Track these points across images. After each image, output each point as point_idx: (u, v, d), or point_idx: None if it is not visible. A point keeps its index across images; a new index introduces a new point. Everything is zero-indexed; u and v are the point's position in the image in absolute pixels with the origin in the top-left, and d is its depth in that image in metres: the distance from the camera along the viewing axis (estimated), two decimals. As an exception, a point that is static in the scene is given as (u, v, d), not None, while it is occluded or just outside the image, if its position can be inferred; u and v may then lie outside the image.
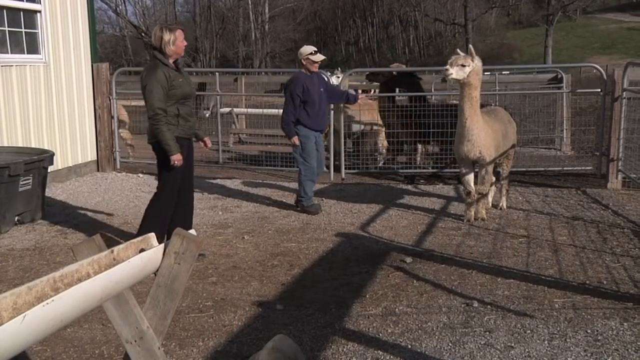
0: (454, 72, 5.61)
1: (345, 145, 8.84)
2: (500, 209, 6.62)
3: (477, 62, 5.69)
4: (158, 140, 4.72)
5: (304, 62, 6.61)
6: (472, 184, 6.10)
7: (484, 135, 5.81)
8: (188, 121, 4.87)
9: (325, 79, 7.26)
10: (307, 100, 6.51)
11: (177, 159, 4.67)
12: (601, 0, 56.40)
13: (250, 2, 49.44)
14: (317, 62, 6.61)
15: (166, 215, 4.90)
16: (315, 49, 6.70)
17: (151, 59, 4.88)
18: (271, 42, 50.63)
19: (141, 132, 12.86)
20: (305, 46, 6.82)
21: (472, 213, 6.13)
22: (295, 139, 6.53)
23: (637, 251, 5.19)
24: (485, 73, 14.25)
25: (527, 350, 3.38)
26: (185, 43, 4.89)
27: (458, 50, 5.86)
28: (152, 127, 4.74)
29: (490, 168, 6.08)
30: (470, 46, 5.85)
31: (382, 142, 9.13)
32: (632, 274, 4.62)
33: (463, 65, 5.61)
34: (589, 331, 3.62)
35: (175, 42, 4.74)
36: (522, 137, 11.16)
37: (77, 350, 3.47)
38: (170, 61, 4.78)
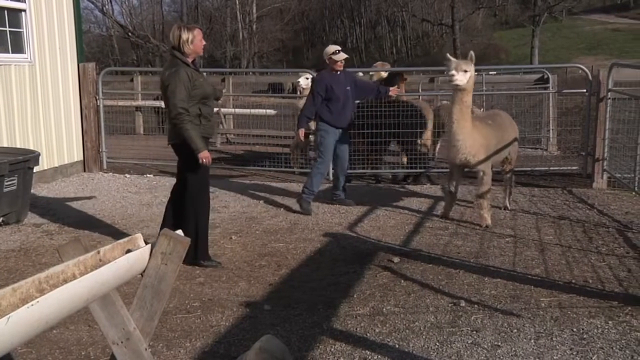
0: (459, 78, 5.50)
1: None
2: (505, 209, 6.63)
3: (473, 67, 5.70)
4: (184, 139, 4.68)
5: (328, 62, 6.74)
6: (452, 186, 6.23)
7: (470, 141, 5.71)
8: (209, 120, 4.88)
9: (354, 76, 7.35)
10: (330, 98, 6.64)
11: (205, 156, 4.67)
12: (586, 1, 56.85)
13: (237, 2, 49.28)
14: (339, 61, 6.67)
15: (206, 217, 4.99)
16: (339, 48, 6.78)
17: (171, 59, 4.82)
18: (259, 42, 50.52)
19: (127, 132, 12.84)
20: (329, 45, 6.92)
21: (447, 211, 6.31)
22: (301, 132, 6.77)
23: (622, 250, 5.23)
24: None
25: (513, 349, 3.40)
26: (204, 42, 4.88)
27: (448, 55, 5.84)
28: (175, 128, 4.71)
29: (487, 171, 5.99)
30: (472, 52, 5.78)
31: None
32: (617, 272, 4.66)
33: (465, 71, 5.53)
34: (574, 330, 3.64)
35: (193, 41, 4.72)
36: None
37: (63, 352, 3.45)
38: (189, 60, 4.76)
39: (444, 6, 51.94)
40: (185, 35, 4.71)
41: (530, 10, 47.93)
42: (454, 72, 5.50)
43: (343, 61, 6.72)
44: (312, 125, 7.61)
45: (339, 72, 6.75)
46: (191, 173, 4.86)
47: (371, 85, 7.51)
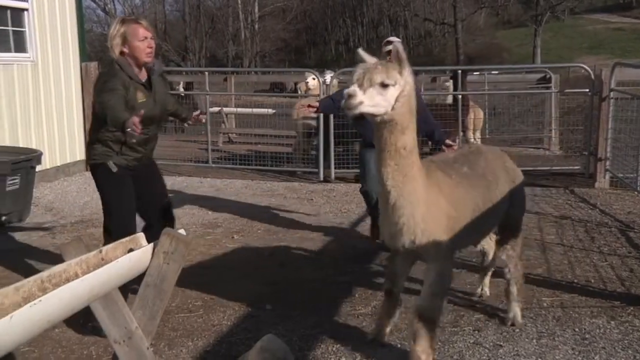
0: (367, 100, 2.75)
1: (334, 145, 8.83)
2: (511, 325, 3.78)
3: (408, 77, 2.86)
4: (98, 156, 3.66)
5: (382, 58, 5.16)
6: (394, 283, 3.49)
7: (423, 211, 3.00)
8: (136, 152, 3.72)
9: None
10: None
11: (133, 122, 3.14)
12: (588, 1, 56.73)
13: (239, 2, 49.32)
14: (388, 54, 4.61)
15: None
16: (390, 39, 4.98)
17: (109, 67, 3.68)
18: (261, 41, 50.53)
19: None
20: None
21: (381, 327, 3.51)
22: (312, 105, 5.11)
23: (624, 250, 5.23)
24: (474, 73, 14.35)
25: (515, 348, 3.40)
26: (151, 45, 3.59)
27: (363, 54, 3.00)
28: (90, 144, 3.76)
29: (448, 263, 3.29)
30: (398, 45, 2.90)
31: None
32: (619, 272, 4.65)
33: (384, 85, 2.77)
34: (576, 329, 3.64)
35: (126, 38, 3.55)
36: (510, 137, 11.23)
37: (65, 351, 3.45)
38: (133, 70, 3.59)
39: (446, 5, 51.89)
40: (114, 30, 3.53)
41: (533, 9, 47.91)
42: (354, 88, 2.77)
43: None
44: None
45: None
46: (109, 206, 3.77)
47: (432, 121, 5.09)
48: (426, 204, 3.00)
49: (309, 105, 5.09)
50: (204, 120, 4.35)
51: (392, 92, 2.78)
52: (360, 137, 5.30)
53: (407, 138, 2.88)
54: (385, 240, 3.30)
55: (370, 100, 2.74)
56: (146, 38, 3.56)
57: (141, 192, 3.82)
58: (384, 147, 2.89)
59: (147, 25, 3.63)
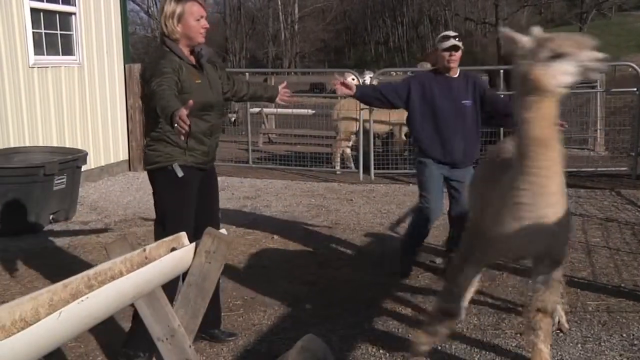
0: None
1: (374, 145, 8.81)
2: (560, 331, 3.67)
3: None
4: (159, 158, 3.32)
5: (437, 56, 4.47)
6: (461, 299, 3.06)
7: (560, 209, 2.65)
8: (204, 144, 3.40)
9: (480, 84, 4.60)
10: (426, 112, 4.38)
11: (180, 115, 2.65)
12: (637, -3, 55.21)
13: (280, 3, 49.60)
14: (446, 52, 4.31)
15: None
16: (451, 34, 4.39)
17: (157, 49, 3.48)
18: (300, 42, 50.71)
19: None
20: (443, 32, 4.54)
21: (426, 348, 3.13)
22: (348, 86, 4.27)
23: (673, 254, 5.07)
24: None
25: (560, 353, 3.33)
26: (206, 25, 3.31)
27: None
28: (149, 146, 3.38)
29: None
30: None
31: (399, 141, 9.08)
32: (668, 277, 4.51)
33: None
34: (624, 335, 3.54)
35: (182, 17, 3.22)
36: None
37: (109, 348, 3.52)
38: (184, 50, 3.27)
39: (487, 4, 51.18)
40: (169, 8, 3.21)
41: (578, 7, 46.85)
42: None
43: (455, 53, 4.31)
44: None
45: (452, 74, 4.40)
46: (167, 216, 3.35)
47: (508, 105, 4.42)
48: (562, 200, 2.68)
49: (342, 83, 4.26)
50: (288, 96, 3.82)
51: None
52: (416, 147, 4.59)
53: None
54: (505, 248, 2.87)
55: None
56: (202, 17, 3.26)
57: (197, 205, 3.41)
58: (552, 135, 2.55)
59: (203, 2, 3.30)
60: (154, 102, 2.95)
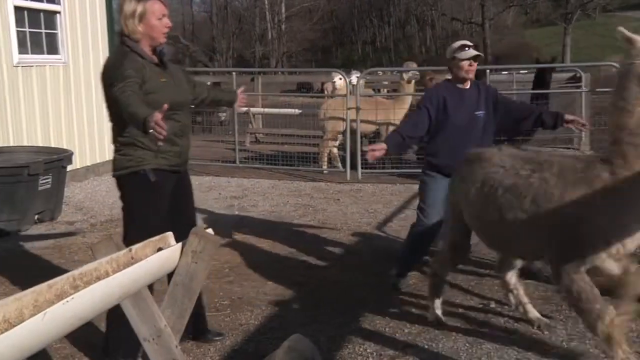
0: None
1: (361, 144, 8.83)
2: None
3: None
4: (129, 164, 3.17)
5: (451, 66, 4.26)
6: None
7: None
8: (175, 144, 3.22)
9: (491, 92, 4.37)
10: (442, 126, 4.18)
11: (154, 120, 2.58)
12: (621, -2, 55.79)
13: (266, 2, 49.54)
14: (467, 63, 4.15)
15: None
16: (467, 43, 4.24)
17: (117, 48, 3.31)
18: (288, 41, 50.68)
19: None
20: (456, 41, 4.36)
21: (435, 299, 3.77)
22: (379, 149, 3.97)
23: (657, 252, 5.11)
24: (503, 72, 14.21)
25: (544, 350, 3.35)
26: (169, 23, 3.21)
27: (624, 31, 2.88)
28: (117, 152, 3.26)
29: None
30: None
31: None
32: (652, 275, 4.55)
33: None
34: (608, 333, 3.57)
35: (144, 16, 3.10)
36: (540, 137, 11.07)
37: (95, 349, 3.50)
38: (145, 50, 3.15)
39: (474, 4, 51.46)
40: (129, 7, 3.09)
41: (563, 7, 47.17)
42: None
43: (473, 63, 4.18)
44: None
45: (464, 85, 4.24)
46: (134, 222, 3.16)
47: (526, 107, 4.59)
48: None
49: (373, 150, 3.98)
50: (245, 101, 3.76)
51: None
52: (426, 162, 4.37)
53: None
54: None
55: None
56: (164, 16, 3.15)
57: (172, 209, 3.28)
58: None
59: (164, 0, 3.19)
60: (120, 110, 2.86)
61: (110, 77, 3.00)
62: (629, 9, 56.29)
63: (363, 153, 8.73)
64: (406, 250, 4.53)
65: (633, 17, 53.38)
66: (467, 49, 4.15)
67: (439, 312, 3.76)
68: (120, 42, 3.17)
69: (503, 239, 3.35)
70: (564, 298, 3.01)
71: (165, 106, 2.65)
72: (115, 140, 3.23)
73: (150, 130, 2.59)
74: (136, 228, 3.06)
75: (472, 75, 4.23)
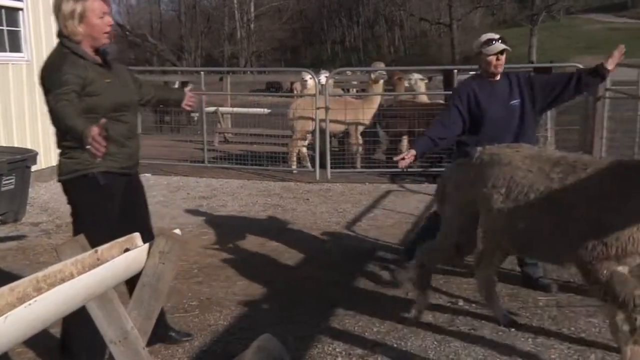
0: None
1: (330, 144, 8.84)
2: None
3: None
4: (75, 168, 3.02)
5: (480, 61, 4.20)
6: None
7: None
8: (124, 146, 3.10)
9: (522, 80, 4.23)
10: (475, 120, 4.09)
11: (91, 135, 2.52)
12: (584, 0, 56.91)
13: (235, 1, 49.30)
14: (494, 57, 4.08)
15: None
16: (494, 37, 4.16)
17: (56, 49, 3.06)
18: (257, 41, 50.51)
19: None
20: (482, 35, 4.31)
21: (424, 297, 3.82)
22: (409, 156, 3.87)
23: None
24: (471, 72, 14.33)
25: (511, 347, 3.40)
26: (110, 21, 3.06)
27: None
28: (62, 156, 3.08)
29: None
30: None
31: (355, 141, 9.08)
32: (614, 272, 4.65)
33: None
34: (572, 328, 3.65)
35: (84, 16, 2.94)
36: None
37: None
38: (86, 50, 3.00)
39: (442, 5, 52.00)
40: (67, 7, 2.92)
41: (528, 9, 48.01)
42: None
43: (501, 57, 4.10)
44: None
45: (495, 78, 4.17)
46: (84, 227, 2.72)
47: (564, 75, 4.48)
48: None
49: (403, 158, 3.85)
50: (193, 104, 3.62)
51: None
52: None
53: None
54: None
55: None
56: (105, 14, 2.98)
57: (125, 214, 3.16)
58: None
59: None
60: (56, 121, 2.75)
61: (47, 83, 2.89)
62: (592, 11, 57.52)
63: (333, 153, 8.76)
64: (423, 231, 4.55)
65: (595, 20, 54.61)
66: (493, 42, 4.07)
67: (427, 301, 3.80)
68: (59, 43, 2.99)
69: (533, 242, 3.27)
70: (597, 293, 2.99)
71: (104, 120, 2.56)
72: (59, 145, 3.08)
73: (88, 147, 2.50)
74: (86, 234, 2.72)
75: (500, 70, 4.14)
